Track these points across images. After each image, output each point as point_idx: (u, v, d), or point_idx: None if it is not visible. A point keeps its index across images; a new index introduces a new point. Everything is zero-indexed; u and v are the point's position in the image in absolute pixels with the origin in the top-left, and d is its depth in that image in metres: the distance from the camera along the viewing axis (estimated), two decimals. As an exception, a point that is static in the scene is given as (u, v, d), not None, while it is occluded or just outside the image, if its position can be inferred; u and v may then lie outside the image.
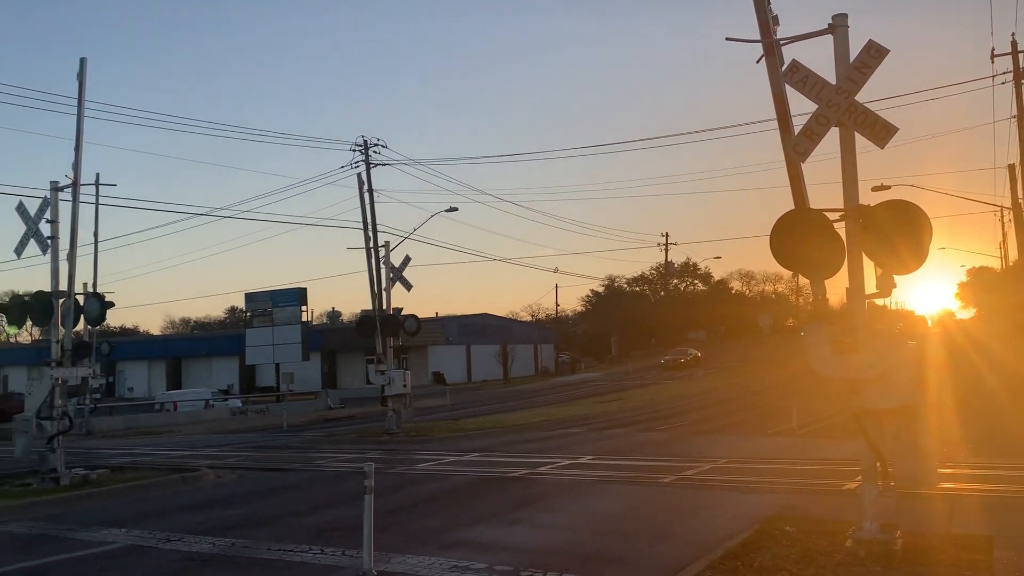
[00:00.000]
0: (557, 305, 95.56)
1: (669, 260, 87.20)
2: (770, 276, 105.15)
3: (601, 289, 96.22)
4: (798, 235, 8.26)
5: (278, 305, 50.88)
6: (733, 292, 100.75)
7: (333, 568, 8.73)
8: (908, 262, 8.11)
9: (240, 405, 47.68)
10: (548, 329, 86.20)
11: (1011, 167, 32.10)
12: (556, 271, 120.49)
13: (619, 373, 63.26)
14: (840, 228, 8.41)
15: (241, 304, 61.29)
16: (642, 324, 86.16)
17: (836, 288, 9.10)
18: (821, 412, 22.78)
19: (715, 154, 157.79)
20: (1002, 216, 47.06)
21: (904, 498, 10.27)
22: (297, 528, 11.02)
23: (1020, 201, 30.84)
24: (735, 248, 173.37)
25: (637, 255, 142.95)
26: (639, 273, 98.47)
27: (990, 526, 8.84)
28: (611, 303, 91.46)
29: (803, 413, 22.54)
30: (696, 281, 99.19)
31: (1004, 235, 50.19)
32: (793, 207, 8.71)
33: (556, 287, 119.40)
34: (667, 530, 10.02)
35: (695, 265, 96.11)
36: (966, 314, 69.21)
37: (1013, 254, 43.32)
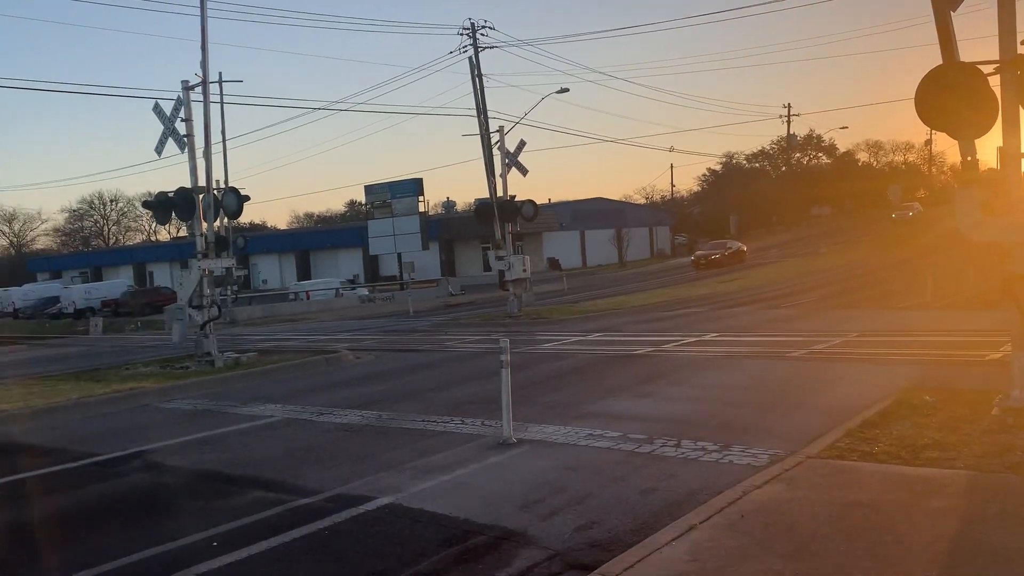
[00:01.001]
0: (672, 186, 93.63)
1: (791, 132, 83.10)
2: (900, 146, 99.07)
3: (718, 167, 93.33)
4: (948, 91, 7.72)
5: (396, 196, 51.93)
6: (860, 164, 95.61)
7: (474, 436, 9.23)
8: (1073, 115, 7.47)
9: (367, 293, 49.77)
10: (663, 211, 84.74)
11: None
12: (671, 150, 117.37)
13: (738, 253, 61.93)
14: (994, 83, 7.83)
15: (360, 197, 63.04)
16: (762, 202, 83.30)
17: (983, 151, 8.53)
18: (957, 285, 21.80)
19: (840, 16, 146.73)
20: None
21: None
22: (436, 402, 11.64)
23: None
24: (862, 117, 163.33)
25: (756, 129, 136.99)
26: (758, 148, 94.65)
27: None
28: (729, 181, 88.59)
29: (938, 286, 21.64)
30: (820, 154, 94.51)
31: None
32: (941, 63, 8.13)
33: (671, 167, 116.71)
34: (800, 401, 10.02)
35: (819, 137, 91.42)
36: None
37: None
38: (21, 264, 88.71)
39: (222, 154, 18.96)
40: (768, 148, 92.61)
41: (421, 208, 51.88)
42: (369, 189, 54.63)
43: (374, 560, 5.61)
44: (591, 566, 5.13)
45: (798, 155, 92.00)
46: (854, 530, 5.23)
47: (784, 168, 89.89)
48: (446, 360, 17.00)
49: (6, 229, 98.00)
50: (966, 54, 8.07)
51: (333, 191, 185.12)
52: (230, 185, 18.01)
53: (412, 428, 9.93)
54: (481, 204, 28.31)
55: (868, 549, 4.88)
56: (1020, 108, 7.72)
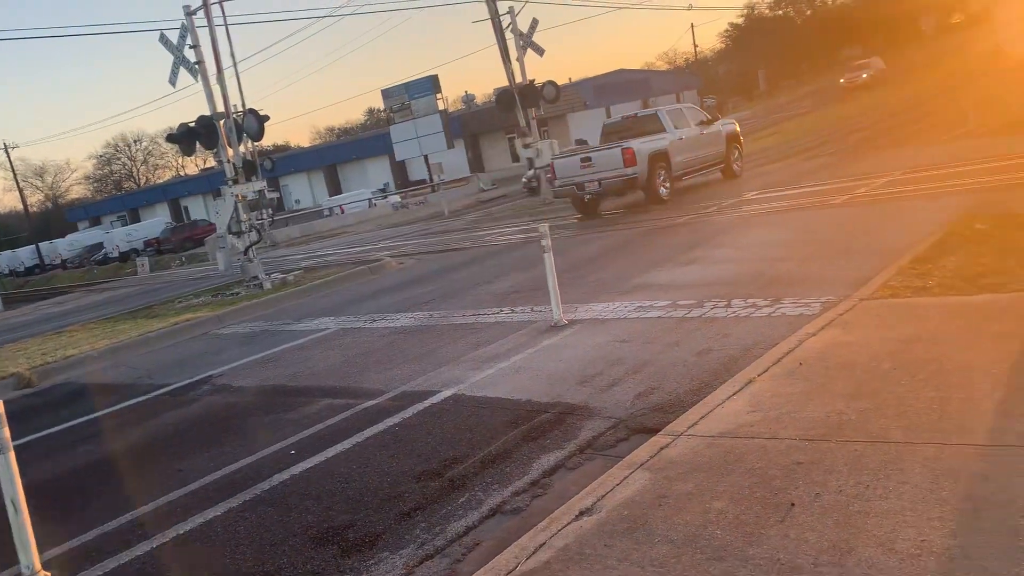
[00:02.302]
0: (695, 46, 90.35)
1: (812, -27, 79.10)
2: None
3: (740, 20, 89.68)
4: None
5: (414, 97, 51.05)
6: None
7: (525, 323, 9.34)
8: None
9: (400, 200, 49.80)
10: (688, 74, 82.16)
11: None
12: (690, 8, 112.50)
13: (771, 107, 60.28)
14: None
15: (378, 103, 62.19)
16: (790, 51, 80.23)
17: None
18: (997, 111, 21.01)
19: None
20: None
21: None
22: (483, 296, 11.75)
23: None
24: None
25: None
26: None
27: None
28: (754, 34, 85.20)
29: (980, 113, 20.88)
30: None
31: None
32: None
33: (691, 27, 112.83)
34: (848, 247, 9.90)
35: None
36: None
37: None
38: (60, 216, 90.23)
39: (235, 77, 18.74)
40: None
41: (441, 106, 51.00)
42: (386, 93, 53.71)
43: (446, 447, 5.81)
44: (655, 428, 5.24)
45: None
46: (914, 363, 5.24)
47: (809, 12, 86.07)
48: (488, 255, 17.07)
49: (39, 183, 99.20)
50: None
51: (351, 100, 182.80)
52: (248, 108, 17.87)
53: (464, 323, 10.08)
54: (501, 92, 27.73)
55: (929, 379, 4.90)
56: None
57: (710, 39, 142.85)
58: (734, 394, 5.36)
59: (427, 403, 6.93)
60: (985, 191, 11.53)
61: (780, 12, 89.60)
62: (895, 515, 3.46)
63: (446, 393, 7.11)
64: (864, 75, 53.70)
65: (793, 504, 3.74)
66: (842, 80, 54.81)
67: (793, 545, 3.39)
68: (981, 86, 25.14)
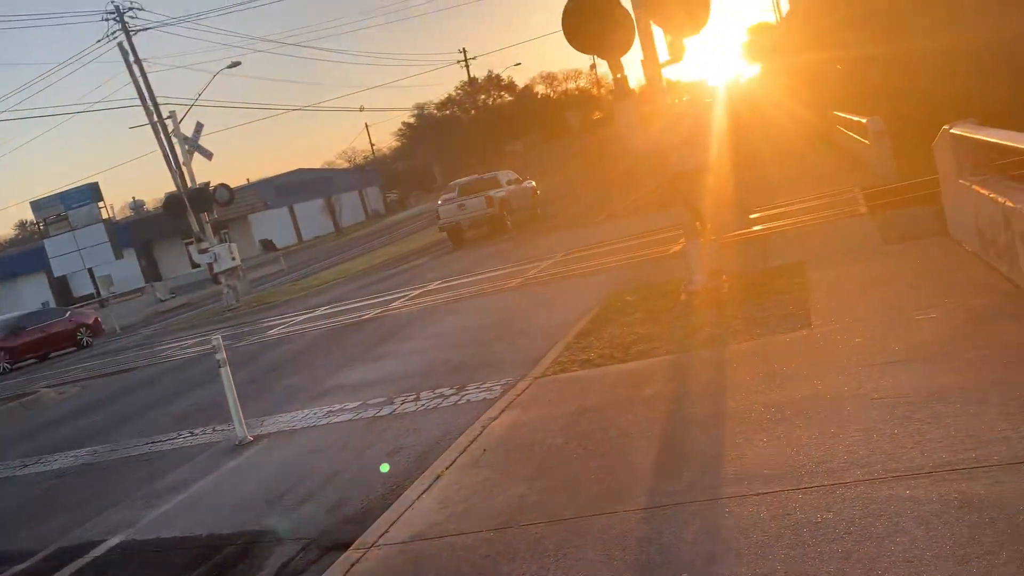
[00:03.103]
0: (372, 145, 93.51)
1: (472, 76, 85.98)
2: (571, 73, 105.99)
3: (412, 120, 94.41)
4: (588, 15, 8.28)
5: (71, 207, 46.55)
6: (539, 96, 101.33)
7: (207, 445, 8.64)
8: (693, 23, 8.37)
9: (62, 320, 44.57)
10: (369, 171, 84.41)
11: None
12: (362, 109, 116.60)
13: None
14: (627, 3, 8.51)
15: (29, 216, 55.92)
16: (459, 147, 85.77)
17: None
18: (638, 192, 24.04)
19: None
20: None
21: (725, 247, 11.22)
22: (159, 419, 10.74)
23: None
24: (533, 51, 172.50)
25: (440, 77, 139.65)
26: (446, 96, 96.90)
27: (799, 253, 9.81)
28: (425, 132, 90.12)
29: (623, 197, 23.73)
30: (502, 92, 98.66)
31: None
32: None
33: (366, 126, 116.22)
34: (523, 328, 10.50)
35: (497, 76, 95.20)
36: (753, 72, 72.30)
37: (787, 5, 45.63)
38: None
39: None
40: (454, 94, 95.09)
41: (105, 215, 47.06)
42: (36, 205, 48.33)
43: (112, 609, 5.07)
44: (348, 543, 5.00)
45: (483, 97, 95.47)
46: (584, 435, 5.58)
47: (473, 111, 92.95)
48: (164, 372, 15.74)
49: None
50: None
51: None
52: None
53: (136, 455, 9.08)
54: (170, 197, 26.22)
55: (597, 449, 5.24)
56: (651, 23, 8.48)
57: (386, 137, 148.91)
58: (424, 492, 5.32)
59: (89, 557, 6.05)
60: (631, 266, 12.94)
61: (447, 112, 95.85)
62: (575, 593, 3.56)
63: (113, 541, 6.26)
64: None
65: (482, 602, 3.72)
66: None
67: (484, 646, 3.34)
68: (619, 174, 28.75)
